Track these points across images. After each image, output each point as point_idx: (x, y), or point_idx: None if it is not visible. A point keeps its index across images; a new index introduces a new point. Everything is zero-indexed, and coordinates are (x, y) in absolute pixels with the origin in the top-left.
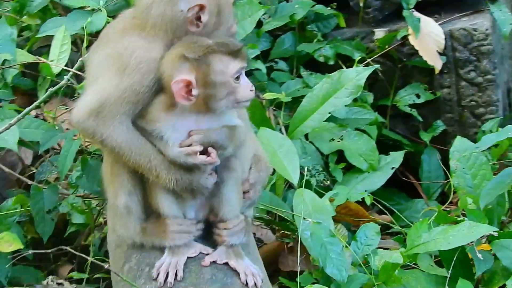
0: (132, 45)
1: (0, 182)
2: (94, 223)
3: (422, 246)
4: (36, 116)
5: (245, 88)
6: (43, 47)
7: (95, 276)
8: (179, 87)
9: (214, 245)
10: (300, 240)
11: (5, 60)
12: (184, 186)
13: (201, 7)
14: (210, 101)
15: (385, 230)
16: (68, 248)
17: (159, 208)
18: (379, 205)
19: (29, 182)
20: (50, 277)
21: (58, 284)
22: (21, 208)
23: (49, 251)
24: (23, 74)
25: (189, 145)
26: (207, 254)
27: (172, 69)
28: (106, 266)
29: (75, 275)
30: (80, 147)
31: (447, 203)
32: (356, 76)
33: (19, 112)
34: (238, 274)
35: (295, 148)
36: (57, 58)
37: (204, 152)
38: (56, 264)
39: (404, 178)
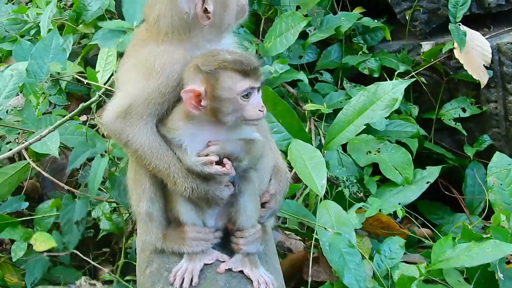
0: (154, 51)
1: (49, 185)
2: (131, 227)
3: (445, 262)
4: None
5: (254, 108)
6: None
7: (126, 278)
8: (189, 96)
9: (231, 253)
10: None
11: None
12: (200, 196)
13: (203, 0)
14: (218, 114)
15: (422, 244)
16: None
17: (179, 216)
18: (418, 220)
19: (66, 187)
20: (83, 277)
21: (91, 284)
22: (57, 211)
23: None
24: (78, 81)
25: (206, 155)
26: (224, 262)
27: (188, 78)
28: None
29: (107, 276)
30: (109, 162)
31: (486, 218)
32: (392, 89)
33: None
34: (252, 282)
35: (323, 160)
36: (102, 69)
37: (220, 163)
38: (94, 265)
39: (448, 193)
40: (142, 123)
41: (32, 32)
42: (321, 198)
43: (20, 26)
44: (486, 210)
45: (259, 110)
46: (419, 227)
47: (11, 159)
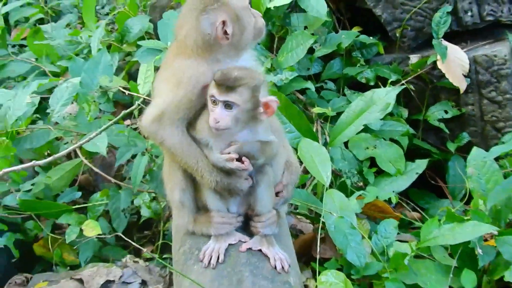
0: (182, 65)
1: (100, 179)
2: (168, 214)
3: (432, 240)
4: (128, 125)
5: (212, 116)
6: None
7: (164, 256)
8: None
9: (251, 234)
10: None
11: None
12: (223, 187)
13: (223, 22)
14: None
15: (413, 225)
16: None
17: (206, 203)
18: (409, 205)
19: (113, 180)
20: (128, 256)
21: (134, 262)
22: (106, 200)
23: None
24: (123, 91)
25: (228, 153)
26: (245, 242)
27: None
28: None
29: (148, 255)
30: (148, 159)
31: (466, 203)
32: (386, 95)
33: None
34: (269, 259)
35: (328, 155)
36: (143, 82)
37: (240, 159)
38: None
39: (433, 182)
40: (174, 126)
41: (85, 51)
42: (326, 187)
43: (74, 47)
44: (467, 196)
45: (213, 118)
46: (409, 211)
47: (68, 157)
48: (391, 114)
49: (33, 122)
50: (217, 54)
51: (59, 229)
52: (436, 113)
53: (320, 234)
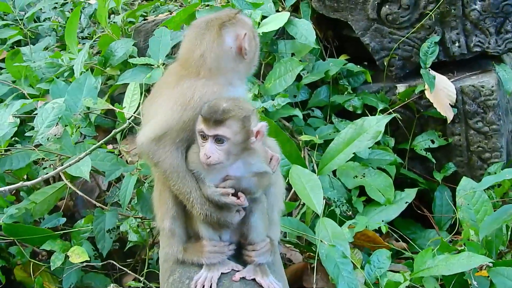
0: (193, 85)
1: (80, 204)
2: (152, 241)
3: (426, 271)
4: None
5: (202, 152)
6: (122, 94)
7: (149, 285)
8: None
9: (245, 263)
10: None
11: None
12: (212, 221)
13: (244, 35)
14: None
15: (400, 255)
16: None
17: (199, 231)
18: (395, 235)
19: (98, 204)
20: (112, 284)
21: None
22: (91, 225)
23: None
24: (106, 114)
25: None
26: (238, 271)
27: None
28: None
29: (133, 284)
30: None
31: (453, 233)
32: (377, 123)
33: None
34: None
35: (320, 183)
36: (129, 106)
37: (235, 194)
38: (120, 274)
39: (419, 211)
40: (174, 147)
41: (65, 74)
42: (319, 215)
43: (55, 70)
44: (457, 226)
45: (204, 154)
46: (396, 241)
47: (47, 182)
48: (378, 143)
49: (11, 144)
50: (231, 74)
51: (37, 256)
52: (423, 143)
53: (311, 263)
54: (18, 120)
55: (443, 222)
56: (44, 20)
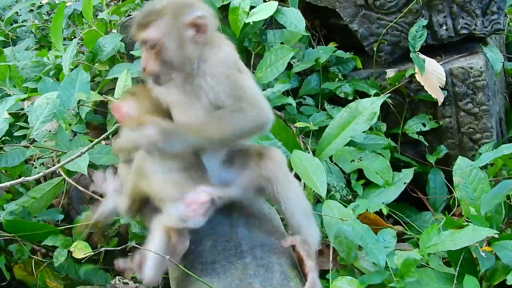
0: None
1: (76, 201)
2: None
3: (433, 247)
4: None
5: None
6: (111, 89)
7: None
8: None
9: None
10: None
11: (80, 100)
12: None
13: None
14: None
15: (399, 237)
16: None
17: None
18: (394, 217)
19: (100, 198)
20: (117, 277)
21: (124, 283)
22: None
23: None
24: (95, 112)
25: None
26: None
27: None
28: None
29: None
30: None
31: (451, 214)
32: (371, 104)
33: (91, 141)
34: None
35: (322, 166)
36: (120, 96)
37: None
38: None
39: (414, 194)
40: None
41: (51, 73)
42: (323, 199)
43: (40, 69)
44: (455, 207)
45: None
46: (395, 224)
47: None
48: (370, 128)
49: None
50: None
51: (36, 253)
52: (414, 126)
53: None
54: (11, 117)
55: (438, 204)
56: (22, 22)
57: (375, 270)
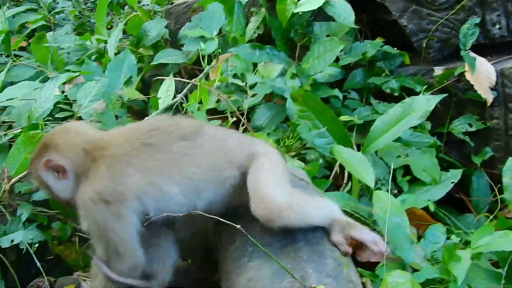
0: None
1: None
2: None
3: (485, 247)
4: None
5: None
6: (153, 75)
7: None
8: None
9: None
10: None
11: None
12: None
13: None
14: None
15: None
16: None
17: None
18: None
19: None
20: None
21: None
22: None
23: None
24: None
25: None
26: None
27: None
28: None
29: None
30: None
31: (493, 215)
32: (427, 102)
33: None
34: None
35: (366, 159)
36: (164, 96)
37: None
38: None
39: (456, 195)
40: None
41: (93, 57)
42: (372, 189)
43: (81, 53)
44: (497, 210)
45: None
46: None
47: None
48: (414, 127)
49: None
50: None
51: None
52: (460, 126)
53: None
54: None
55: (481, 206)
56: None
57: (427, 266)
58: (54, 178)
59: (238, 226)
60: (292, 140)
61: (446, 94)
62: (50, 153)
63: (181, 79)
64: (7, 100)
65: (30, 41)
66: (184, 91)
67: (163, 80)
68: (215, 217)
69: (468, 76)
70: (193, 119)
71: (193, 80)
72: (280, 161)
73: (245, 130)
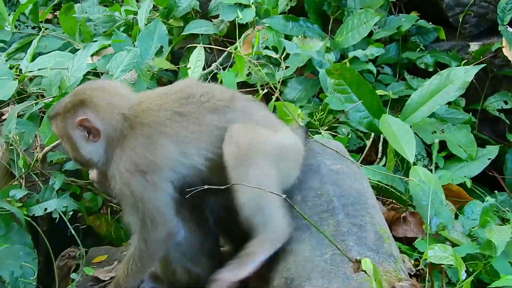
0: None
1: None
2: None
3: None
4: None
5: None
6: (183, 47)
7: None
8: None
9: None
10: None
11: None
12: None
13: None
14: None
15: None
16: None
17: None
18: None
19: None
20: None
21: None
22: None
23: None
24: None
25: None
26: None
27: None
28: None
29: None
30: None
31: None
32: (465, 73)
33: None
34: None
35: (412, 131)
36: (194, 66)
37: None
38: None
39: (490, 173)
40: None
41: (121, 29)
42: (411, 164)
43: (109, 25)
44: None
45: None
46: None
47: None
48: (448, 103)
49: None
50: None
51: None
52: (495, 103)
53: (402, 213)
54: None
55: None
56: None
57: (467, 242)
58: (83, 138)
59: (284, 196)
60: (325, 114)
61: (484, 65)
62: (88, 112)
63: (215, 47)
64: (38, 69)
65: (55, 13)
66: (220, 59)
67: (195, 48)
68: (255, 186)
69: (506, 51)
70: (227, 89)
71: (229, 48)
72: (294, 151)
73: (276, 100)
